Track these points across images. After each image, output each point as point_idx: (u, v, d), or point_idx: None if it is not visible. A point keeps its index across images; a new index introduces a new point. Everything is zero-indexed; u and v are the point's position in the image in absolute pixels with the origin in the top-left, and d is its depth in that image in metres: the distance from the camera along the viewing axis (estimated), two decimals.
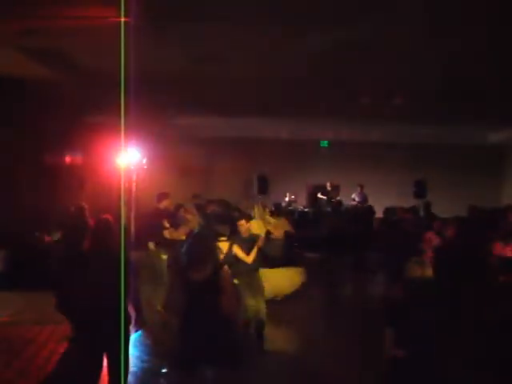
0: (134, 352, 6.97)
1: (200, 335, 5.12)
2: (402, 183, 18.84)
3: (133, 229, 8.99)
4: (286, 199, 18.95)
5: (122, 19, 6.78)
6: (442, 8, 6.82)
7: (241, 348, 5.50)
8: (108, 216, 5.47)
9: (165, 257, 8.67)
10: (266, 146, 19.84)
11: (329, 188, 19.08)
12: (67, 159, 14.65)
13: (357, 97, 12.39)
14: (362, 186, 18.36)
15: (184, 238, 7.86)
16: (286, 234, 12.51)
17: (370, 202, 17.64)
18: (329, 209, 17.89)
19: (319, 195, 19.14)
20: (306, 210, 18.89)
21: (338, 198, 18.54)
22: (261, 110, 14.38)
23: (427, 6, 6.76)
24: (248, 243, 7.89)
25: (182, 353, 5.29)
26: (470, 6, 6.70)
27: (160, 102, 12.96)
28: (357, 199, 18.19)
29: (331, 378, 6.80)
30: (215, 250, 5.76)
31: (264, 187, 18.67)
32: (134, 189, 12.00)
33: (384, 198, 16.56)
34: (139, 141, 13.21)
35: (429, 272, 4.26)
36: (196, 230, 7.36)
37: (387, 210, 12.56)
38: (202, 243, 5.53)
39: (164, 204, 9.59)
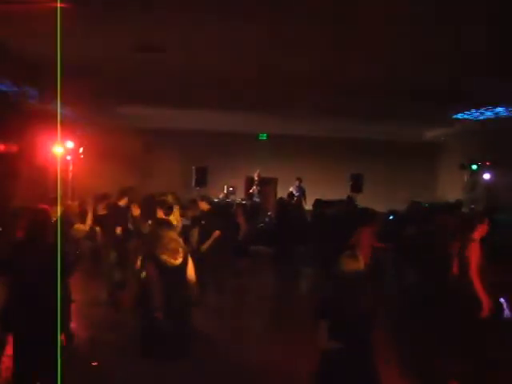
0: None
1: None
2: (340, 177, 19.20)
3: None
4: (225, 191, 19.02)
5: (58, 5, 6.65)
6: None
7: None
8: (45, 206, 5.41)
9: None
10: (204, 138, 19.83)
11: (256, 179, 19.19)
12: (1, 147, 14.19)
13: (295, 92, 12.54)
14: (299, 180, 18.59)
15: None
16: None
17: (308, 195, 17.87)
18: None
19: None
20: (243, 202, 18.96)
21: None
22: (199, 101, 14.35)
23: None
24: None
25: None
26: None
27: (98, 90, 12.76)
28: (294, 192, 18.41)
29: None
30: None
31: (202, 179, 18.64)
32: (70, 178, 11.82)
33: (322, 191, 16.82)
34: (76, 129, 13.01)
35: (360, 265, 4.40)
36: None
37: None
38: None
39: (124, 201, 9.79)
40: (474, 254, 6.28)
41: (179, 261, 5.47)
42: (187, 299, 5.64)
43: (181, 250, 5.55)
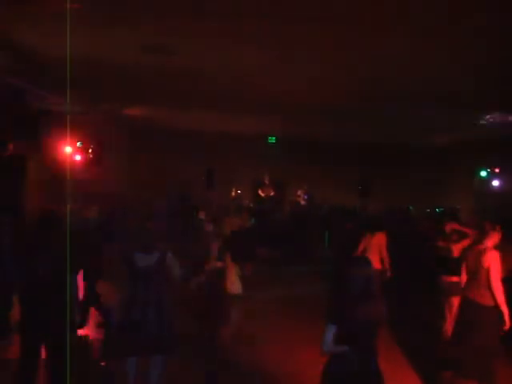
0: None
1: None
2: (348, 181, 19.13)
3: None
4: (232, 194, 18.99)
5: (68, 5, 6.65)
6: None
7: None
8: (53, 207, 5.44)
9: None
10: (212, 140, 19.77)
11: (266, 182, 19.16)
12: (10, 147, 14.16)
13: (304, 95, 12.49)
14: (307, 184, 18.55)
15: None
16: None
17: (316, 199, 17.83)
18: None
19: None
20: (251, 205, 18.94)
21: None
22: (209, 103, 14.32)
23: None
24: None
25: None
26: None
27: (108, 91, 12.77)
28: (303, 196, 18.38)
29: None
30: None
31: (211, 181, 18.64)
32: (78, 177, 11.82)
33: (329, 195, 16.78)
34: (86, 129, 13.01)
35: (371, 270, 4.37)
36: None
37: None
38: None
39: None
40: (494, 262, 6.10)
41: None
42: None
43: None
